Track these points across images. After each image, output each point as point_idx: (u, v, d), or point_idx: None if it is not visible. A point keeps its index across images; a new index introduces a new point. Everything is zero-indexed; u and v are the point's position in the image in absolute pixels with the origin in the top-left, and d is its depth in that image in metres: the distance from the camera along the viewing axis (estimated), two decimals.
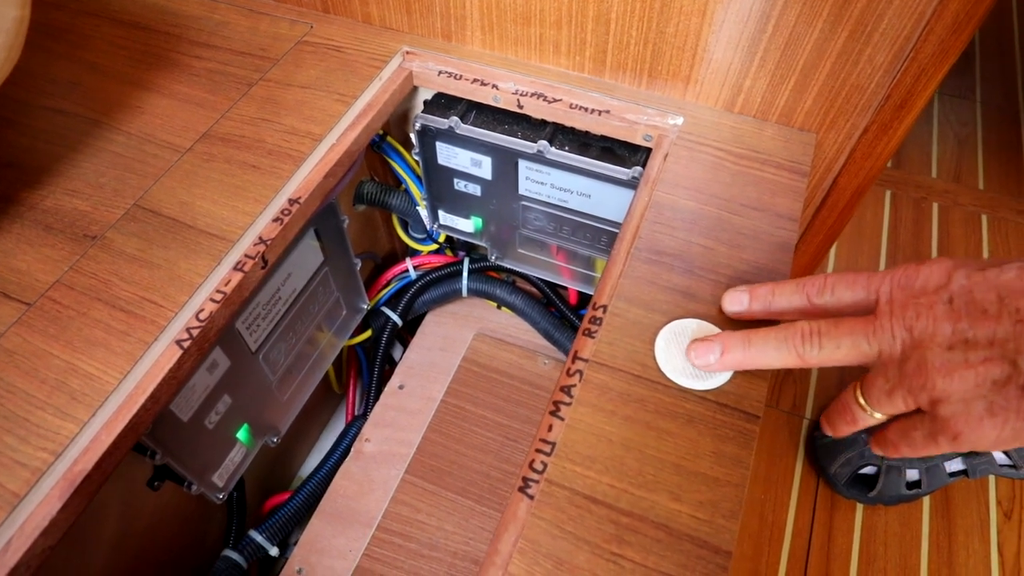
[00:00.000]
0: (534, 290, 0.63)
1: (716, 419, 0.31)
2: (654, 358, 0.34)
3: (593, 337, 0.35)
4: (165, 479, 0.45)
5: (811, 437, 0.67)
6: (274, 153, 0.43)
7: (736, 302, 0.33)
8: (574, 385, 0.33)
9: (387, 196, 0.59)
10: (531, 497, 0.30)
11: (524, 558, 0.28)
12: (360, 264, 0.56)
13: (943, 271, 0.25)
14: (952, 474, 0.62)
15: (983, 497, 0.64)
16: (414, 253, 0.65)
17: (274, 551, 0.54)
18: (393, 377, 0.63)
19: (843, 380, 0.72)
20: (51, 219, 0.40)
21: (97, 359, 0.34)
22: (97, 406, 0.33)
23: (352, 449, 0.58)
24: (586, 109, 0.46)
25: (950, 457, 0.61)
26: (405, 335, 0.69)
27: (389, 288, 0.64)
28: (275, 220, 0.40)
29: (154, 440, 0.39)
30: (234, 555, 0.52)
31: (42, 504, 0.31)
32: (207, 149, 0.44)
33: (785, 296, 0.31)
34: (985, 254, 0.81)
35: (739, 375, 0.33)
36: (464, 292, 0.63)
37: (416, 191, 0.58)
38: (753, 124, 0.44)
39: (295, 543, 0.54)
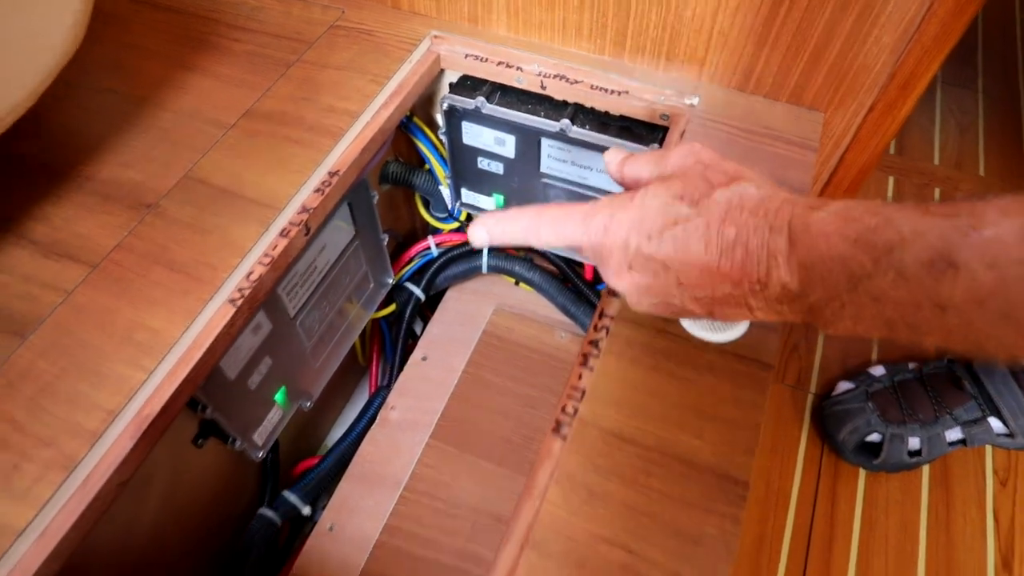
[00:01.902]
0: (551, 267, 0.66)
1: (733, 368, 0.34)
2: None
3: (618, 296, 0.38)
4: (209, 436, 0.48)
5: (818, 407, 0.70)
6: (314, 129, 0.46)
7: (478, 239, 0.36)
8: (601, 339, 0.36)
9: (411, 176, 0.62)
10: (564, 437, 0.33)
11: (560, 488, 0.31)
12: (387, 239, 0.59)
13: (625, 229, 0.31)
14: (951, 443, 0.65)
15: (980, 466, 0.67)
16: (435, 231, 0.67)
17: (306, 510, 0.57)
18: (416, 349, 0.66)
19: (846, 360, 0.75)
20: (108, 189, 0.43)
21: (159, 316, 0.37)
22: (161, 357, 0.36)
23: (378, 417, 0.61)
24: (606, 90, 0.49)
25: (950, 427, 0.64)
26: (426, 312, 0.72)
27: (412, 264, 0.66)
28: (316, 191, 0.43)
29: (205, 394, 0.42)
30: (270, 513, 0.55)
31: (116, 442, 0.33)
32: (251, 125, 0.46)
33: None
34: None
35: (754, 331, 0.36)
36: (484, 268, 0.66)
37: (440, 170, 0.60)
38: (765, 103, 0.47)
39: (323, 507, 0.57)
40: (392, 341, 0.67)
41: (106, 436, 0.33)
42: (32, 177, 0.44)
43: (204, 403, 0.42)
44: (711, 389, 0.34)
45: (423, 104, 0.60)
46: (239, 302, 0.38)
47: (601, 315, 0.37)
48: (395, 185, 0.63)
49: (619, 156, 0.36)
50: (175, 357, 0.36)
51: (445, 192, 0.62)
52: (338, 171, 0.44)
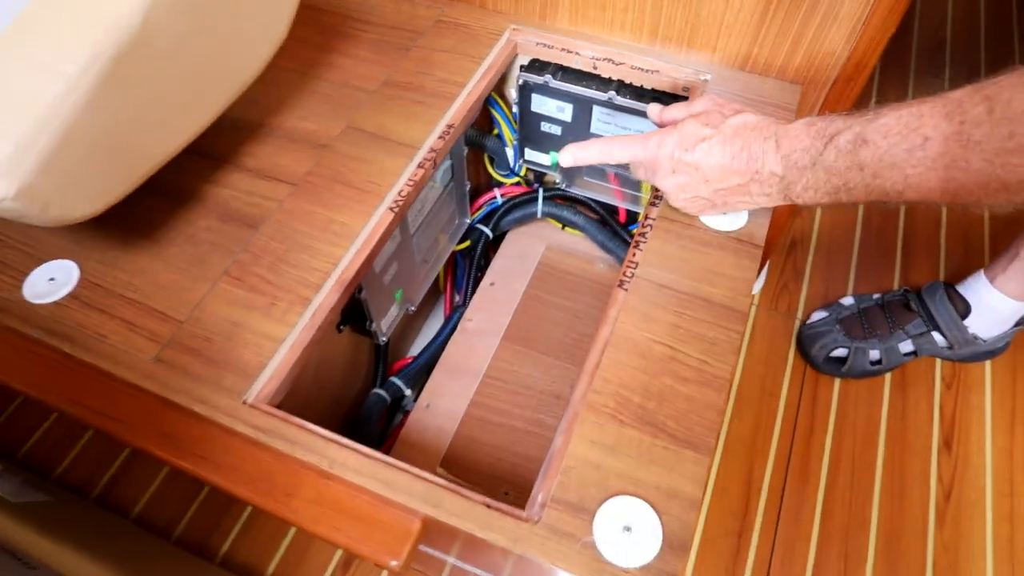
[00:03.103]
0: (592, 213, 0.83)
1: (735, 246, 0.52)
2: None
3: (657, 206, 0.55)
4: (347, 323, 0.65)
5: (799, 331, 0.88)
6: (435, 94, 0.63)
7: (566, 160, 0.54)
8: (648, 231, 0.53)
9: (483, 139, 0.79)
10: (626, 289, 0.50)
11: (625, 314, 0.48)
12: (469, 186, 0.76)
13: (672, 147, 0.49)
14: (905, 354, 0.82)
15: (931, 374, 0.84)
16: (499, 185, 0.85)
17: (408, 391, 0.74)
18: (485, 278, 0.83)
19: (827, 294, 0.92)
20: (292, 135, 0.60)
21: (345, 214, 0.55)
22: (352, 239, 0.53)
23: (459, 326, 0.79)
24: (642, 69, 0.66)
25: (902, 340, 0.81)
26: (490, 251, 0.89)
27: (481, 211, 0.84)
28: (440, 137, 0.61)
29: (363, 279, 0.59)
30: (381, 391, 0.72)
31: (330, 293, 0.51)
32: (387, 91, 0.64)
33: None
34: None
35: (749, 225, 0.53)
36: (539, 214, 0.83)
37: (508, 133, 0.78)
38: (758, 79, 0.65)
39: (420, 392, 0.74)
40: (466, 270, 0.84)
41: (324, 287, 0.51)
42: (240, 129, 0.61)
43: (361, 286, 0.60)
44: (720, 258, 0.51)
45: (498, 83, 0.77)
46: (396, 210, 0.56)
47: (647, 217, 0.54)
48: (470, 147, 0.81)
49: (659, 107, 0.54)
50: (360, 241, 0.53)
51: (509, 153, 0.80)
52: (453, 124, 0.62)
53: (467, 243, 0.83)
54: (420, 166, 0.58)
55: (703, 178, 0.48)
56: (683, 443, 0.42)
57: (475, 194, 0.86)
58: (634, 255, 0.52)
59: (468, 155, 0.83)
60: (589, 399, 0.44)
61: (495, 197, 0.84)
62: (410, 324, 0.87)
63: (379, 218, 0.55)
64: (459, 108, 0.63)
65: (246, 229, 0.54)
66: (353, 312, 0.64)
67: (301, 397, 0.61)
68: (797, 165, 0.44)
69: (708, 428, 0.42)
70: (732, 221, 0.53)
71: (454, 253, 0.85)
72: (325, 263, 0.52)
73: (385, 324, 0.68)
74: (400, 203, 0.56)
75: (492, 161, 0.84)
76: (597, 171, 0.76)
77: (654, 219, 0.54)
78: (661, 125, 0.53)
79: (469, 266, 0.84)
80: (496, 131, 0.79)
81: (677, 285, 0.50)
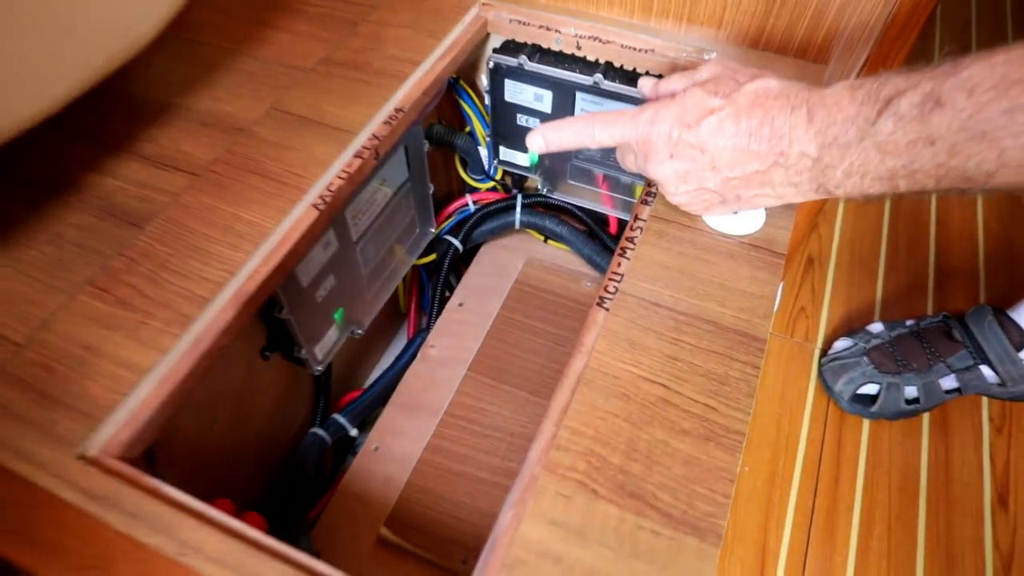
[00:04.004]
0: (578, 224, 0.72)
1: (749, 255, 0.40)
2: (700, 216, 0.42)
3: (649, 204, 0.44)
4: (276, 350, 0.54)
5: (820, 363, 0.75)
6: (382, 74, 0.53)
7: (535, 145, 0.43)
8: (636, 236, 0.42)
9: (453, 137, 0.68)
10: (607, 309, 0.38)
11: (605, 340, 0.36)
12: (433, 189, 0.65)
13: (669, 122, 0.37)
14: (948, 391, 0.70)
15: (977, 415, 0.72)
16: (472, 191, 0.74)
17: (353, 432, 0.62)
18: (453, 297, 0.71)
19: (850, 319, 0.80)
20: (204, 117, 0.50)
21: (255, 212, 0.43)
22: (259, 242, 0.42)
23: (419, 353, 0.67)
24: (634, 48, 0.56)
25: (944, 375, 0.69)
26: (461, 267, 0.78)
27: (451, 219, 0.72)
28: (385, 123, 0.50)
29: (284, 294, 0.48)
30: (321, 432, 0.60)
31: (223, 310, 0.39)
32: (327, 69, 0.53)
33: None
34: (979, 219, 0.90)
35: (767, 229, 0.41)
36: (517, 224, 0.72)
37: (480, 130, 0.67)
38: (775, 58, 0.54)
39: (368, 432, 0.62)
40: (432, 288, 0.72)
41: (214, 303, 0.39)
42: (140, 110, 0.50)
43: (282, 303, 0.48)
44: (731, 270, 0.39)
45: (468, 70, 0.66)
46: (321, 207, 0.44)
47: (636, 219, 0.43)
48: (438, 146, 0.70)
49: (652, 80, 0.43)
50: (270, 244, 0.42)
51: (483, 153, 0.69)
52: (403, 108, 0.51)
53: (432, 256, 0.72)
54: (358, 155, 0.47)
55: (710, 164, 0.36)
56: (682, 526, 0.30)
57: (446, 201, 0.75)
58: (619, 265, 0.40)
59: (436, 156, 0.73)
60: (551, 458, 0.32)
61: (467, 204, 0.72)
62: (366, 351, 0.75)
63: (298, 217, 0.43)
64: (411, 89, 0.52)
65: (127, 228, 0.42)
66: (282, 336, 0.52)
67: (213, 438, 0.50)
68: (838, 142, 0.32)
69: (717, 504, 0.30)
70: (746, 223, 0.41)
71: (418, 269, 0.74)
72: (220, 272, 0.40)
73: (321, 350, 0.56)
74: (328, 199, 0.45)
75: (464, 164, 0.73)
76: (583, 173, 0.65)
77: (645, 220, 0.42)
78: (657, 100, 0.42)
79: (435, 284, 0.72)
80: (468, 128, 0.69)
81: (674, 304, 0.38)
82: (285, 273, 0.43)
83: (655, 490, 0.31)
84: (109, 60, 0.42)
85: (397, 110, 0.50)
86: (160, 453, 0.43)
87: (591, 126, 0.40)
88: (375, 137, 0.49)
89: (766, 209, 0.42)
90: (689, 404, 0.34)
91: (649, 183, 0.45)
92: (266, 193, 0.44)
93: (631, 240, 0.42)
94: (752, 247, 0.40)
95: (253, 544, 0.30)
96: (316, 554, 0.52)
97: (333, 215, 0.47)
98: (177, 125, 0.49)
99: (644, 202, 0.44)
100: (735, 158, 0.35)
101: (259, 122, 0.49)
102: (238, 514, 0.45)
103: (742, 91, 0.35)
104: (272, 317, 0.49)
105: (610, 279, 0.40)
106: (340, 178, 0.46)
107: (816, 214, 0.67)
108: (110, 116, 0.50)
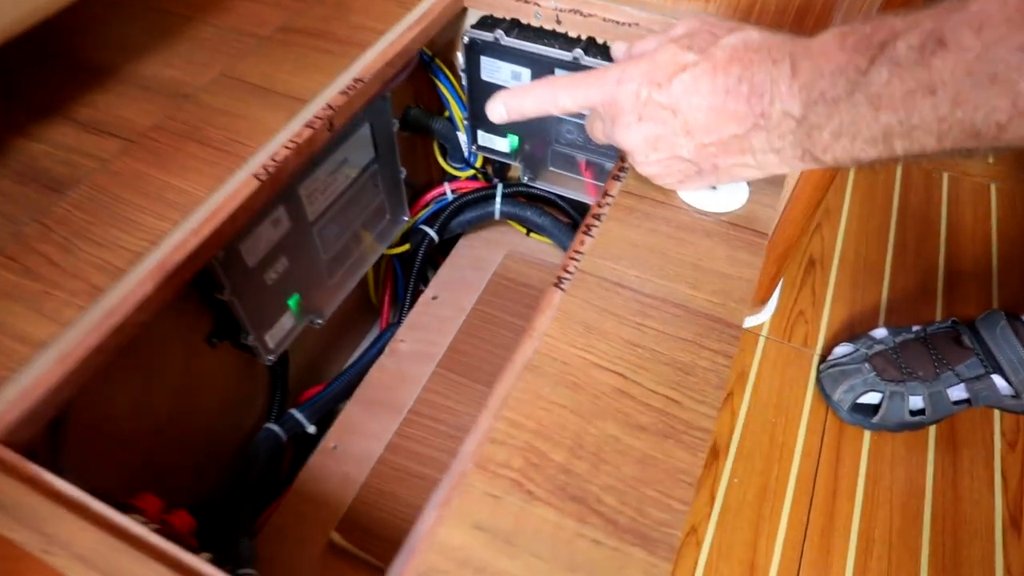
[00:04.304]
0: (563, 216, 0.68)
1: (729, 234, 0.36)
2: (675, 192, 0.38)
3: (621, 180, 0.39)
4: (224, 338, 0.50)
5: (819, 369, 0.70)
6: (343, 42, 0.49)
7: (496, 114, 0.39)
8: (603, 214, 0.38)
9: (430, 121, 0.65)
10: (563, 289, 0.34)
11: (559, 324, 0.32)
12: (405, 173, 0.61)
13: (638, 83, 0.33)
14: (956, 402, 0.65)
15: (988, 429, 0.66)
16: (451, 179, 0.70)
17: (311, 429, 0.58)
18: (427, 290, 0.67)
19: (852, 323, 0.75)
20: (149, 83, 0.46)
21: (189, 180, 0.40)
22: (188, 212, 0.38)
23: (387, 348, 0.63)
24: (617, 22, 0.52)
25: (953, 383, 0.64)
26: (439, 259, 0.74)
27: (428, 209, 0.69)
28: (342, 92, 0.46)
29: (225, 274, 0.44)
30: (275, 428, 0.56)
31: (141, 283, 0.35)
32: (285, 37, 0.50)
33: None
34: (993, 220, 0.85)
35: (750, 206, 0.37)
36: (497, 215, 0.68)
37: (459, 114, 0.63)
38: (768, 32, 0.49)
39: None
40: (404, 280, 0.68)
41: (131, 274, 0.35)
42: (84, 75, 0.47)
43: (223, 283, 0.44)
44: (707, 250, 0.35)
45: (446, 49, 0.63)
46: (263, 178, 0.41)
47: (605, 194, 0.39)
48: (415, 132, 0.66)
49: (626, 45, 0.39)
50: (202, 215, 0.38)
51: (463, 138, 0.65)
52: (363, 78, 0.47)
53: (406, 247, 0.68)
54: (309, 125, 0.44)
55: (683, 127, 0.32)
56: (628, 535, 0.25)
57: (425, 190, 0.72)
58: (582, 243, 0.36)
59: (414, 143, 0.69)
60: (484, 453, 0.28)
61: (444, 193, 0.69)
62: (336, 346, 0.71)
63: (237, 186, 0.40)
64: (374, 59, 0.48)
65: (47, 194, 0.39)
66: (228, 321, 0.49)
67: (150, 430, 0.46)
68: (825, 98, 0.28)
69: (672, 512, 0.26)
70: (727, 199, 0.37)
71: (392, 259, 0.70)
72: (141, 241, 0.36)
73: (272, 339, 0.52)
74: (272, 170, 0.41)
75: (444, 151, 0.69)
76: (565, 160, 0.61)
77: (614, 196, 0.38)
78: None
79: (408, 276, 0.68)
80: (447, 113, 0.65)
81: (639, 285, 0.34)
82: (219, 246, 0.40)
83: (600, 492, 0.26)
84: (36, 12, 0.38)
85: (356, 80, 0.47)
86: (82, 443, 0.40)
87: (554, 89, 0.36)
88: (329, 107, 0.45)
89: (750, 186, 0.38)
90: (648, 396, 0.29)
91: (622, 157, 0.41)
92: (203, 161, 0.41)
93: (598, 217, 0.37)
94: (732, 225, 0.36)
95: (134, 543, 0.26)
96: (252, 558, 0.48)
97: (279, 188, 0.43)
98: (119, 90, 0.46)
99: (615, 178, 0.40)
100: (710, 120, 0.31)
101: (207, 89, 0.45)
102: (165, 512, 0.42)
103: (719, 45, 0.31)
104: (214, 299, 0.45)
105: (571, 258, 0.36)
106: (287, 148, 0.42)
107: (816, 207, 0.63)
108: (51, 80, 0.46)
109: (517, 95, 0.38)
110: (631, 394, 0.29)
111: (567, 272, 0.35)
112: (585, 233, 0.37)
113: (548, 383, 0.30)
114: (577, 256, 0.36)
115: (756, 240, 0.35)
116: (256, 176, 0.41)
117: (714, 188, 0.37)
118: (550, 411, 0.29)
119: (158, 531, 0.28)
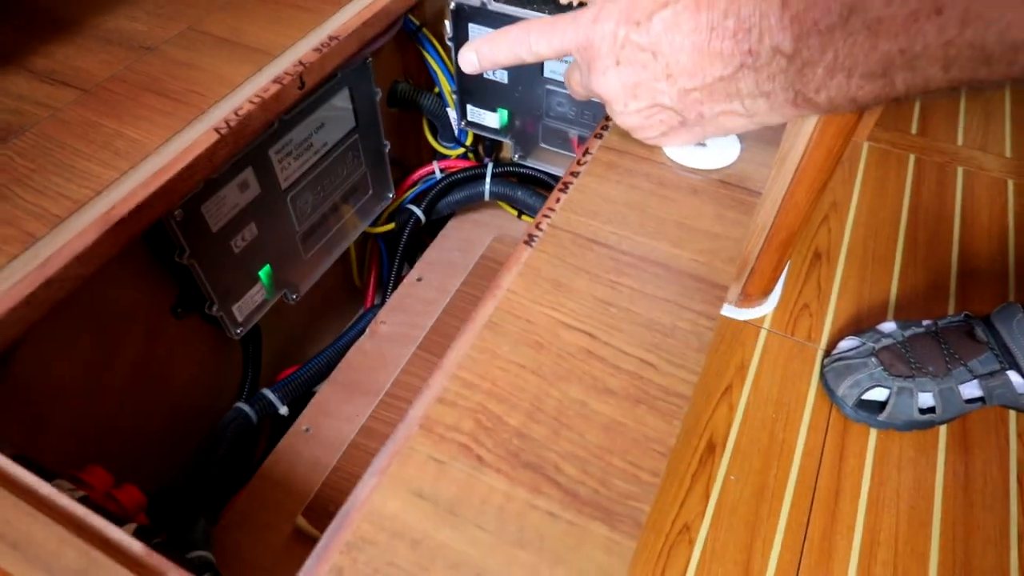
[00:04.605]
0: None
1: (717, 191, 0.33)
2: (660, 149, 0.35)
3: (602, 138, 0.36)
4: (190, 308, 0.47)
5: (823, 364, 0.67)
6: None
7: (468, 63, 0.36)
8: (581, 172, 0.35)
9: (419, 97, 0.62)
10: (532, 245, 0.31)
11: (524, 280, 0.29)
12: (389, 146, 0.59)
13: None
14: (969, 400, 0.61)
15: (1003, 429, 0.62)
16: (440, 158, 0.67)
17: (284, 410, 0.55)
18: (412, 271, 0.64)
19: (859, 317, 0.71)
20: (111, 35, 0.44)
21: (142, 129, 0.37)
22: (138, 162, 0.36)
23: (368, 329, 0.60)
24: None
25: (965, 380, 0.60)
26: (426, 239, 0.71)
27: (415, 188, 0.66)
28: (315, 50, 0.44)
29: (184, 236, 0.41)
30: (246, 408, 0.53)
31: (82, 232, 0.33)
32: None
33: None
34: (1010, 217, 0.81)
35: (741, 164, 0.34)
36: (487, 195, 0.65)
37: (448, 90, 0.61)
38: None
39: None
40: (389, 261, 0.66)
41: (70, 223, 0.33)
42: (45, 26, 0.45)
43: (183, 246, 0.42)
44: (693, 208, 0.32)
45: (434, 21, 0.60)
46: (224, 132, 0.38)
47: (585, 152, 0.36)
48: (403, 108, 0.64)
49: None
50: (152, 166, 0.36)
51: (452, 115, 0.62)
52: (338, 37, 0.45)
53: (391, 226, 0.65)
54: (277, 80, 0.41)
55: (664, 71, 0.29)
56: (588, 508, 0.22)
57: (413, 170, 0.69)
58: (556, 200, 0.33)
59: (404, 120, 0.67)
60: (431, 414, 0.25)
61: (433, 172, 0.66)
62: (321, 328, 0.68)
63: (194, 138, 0.37)
64: (351, 18, 0.46)
65: None
66: (193, 290, 0.46)
67: (103, 402, 0.43)
68: (819, 27, 0.25)
69: (640, 484, 0.23)
70: (716, 155, 0.34)
71: (377, 240, 0.68)
72: (84, 190, 0.34)
73: (241, 311, 0.49)
74: (234, 124, 0.38)
75: (434, 130, 0.67)
76: (557, 135, 0.59)
77: (593, 152, 0.35)
78: None
79: (392, 256, 0.65)
80: (436, 89, 0.63)
81: (616, 242, 0.31)
82: (174, 203, 0.37)
83: (559, 461, 0.23)
84: None
85: (331, 38, 0.44)
86: (28, 411, 0.37)
87: (527, 34, 0.33)
88: (301, 63, 0.42)
89: (742, 143, 0.35)
90: (620, 358, 0.26)
91: (606, 116, 0.38)
92: (159, 111, 0.38)
93: (575, 175, 0.34)
94: (721, 183, 0.33)
95: (29, 498, 0.23)
96: (208, 540, 0.45)
97: (242, 144, 0.40)
98: (79, 42, 0.43)
99: (597, 136, 0.37)
100: (694, 61, 0.28)
101: (171, 42, 0.43)
102: (113, 485, 0.39)
103: None
104: (177, 265, 0.43)
105: (544, 215, 0.33)
106: (252, 103, 0.40)
107: (819, 191, 0.59)
108: (8, 31, 0.44)
109: (490, 42, 0.35)
110: (600, 355, 0.26)
111: (538, 229, 0.32)
112: (561, 191, 0.34)
113: (508, 341, 0.27)
114: (550, 213, 0.33)
115: (746, 199, 0.32)
116: (216, 129, 0.38)
117: (703, 145, 0.34)
118: (507, 371, 0.26)
119: (84, 501, 0.25)
